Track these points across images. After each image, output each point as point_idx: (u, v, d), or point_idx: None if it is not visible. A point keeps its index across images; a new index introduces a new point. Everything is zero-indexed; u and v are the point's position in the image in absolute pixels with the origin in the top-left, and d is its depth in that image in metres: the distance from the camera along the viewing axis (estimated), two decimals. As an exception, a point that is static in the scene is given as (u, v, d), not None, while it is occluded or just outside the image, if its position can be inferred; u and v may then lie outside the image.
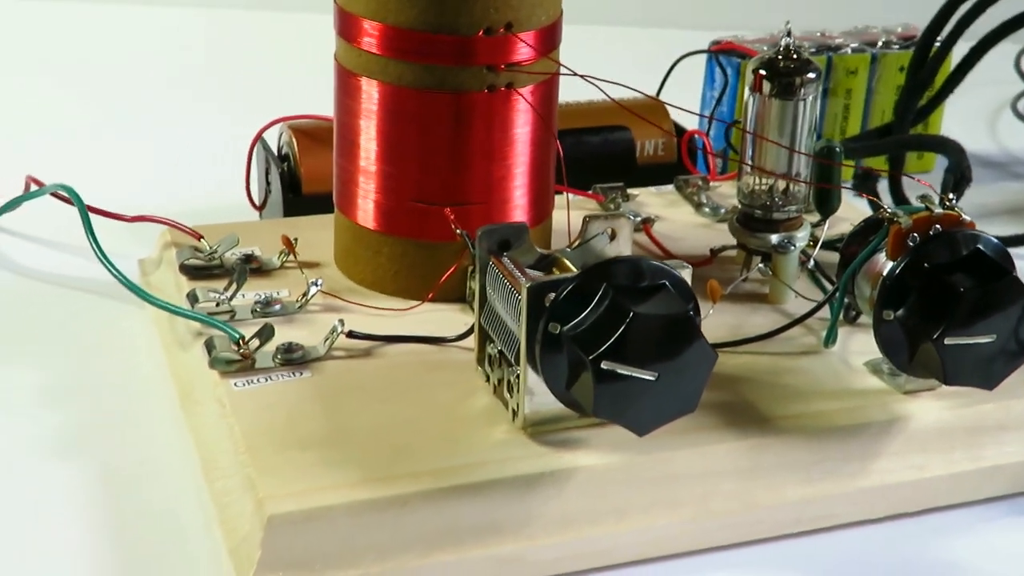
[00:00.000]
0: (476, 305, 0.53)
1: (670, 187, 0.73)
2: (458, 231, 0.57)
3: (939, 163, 0.86)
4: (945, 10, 0.80)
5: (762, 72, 0.60)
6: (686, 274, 0.49)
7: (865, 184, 0.73)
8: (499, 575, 0.49)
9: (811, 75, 0.60)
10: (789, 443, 0.52)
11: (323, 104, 0.77)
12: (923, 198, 0.54)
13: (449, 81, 0.57)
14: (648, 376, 0.46)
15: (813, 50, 0.82)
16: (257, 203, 0.76)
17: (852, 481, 0.53)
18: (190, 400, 0.55)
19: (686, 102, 0.73)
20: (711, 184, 0.72)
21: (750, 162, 0.61)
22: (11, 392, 0.59)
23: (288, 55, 1.06)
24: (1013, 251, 0.55)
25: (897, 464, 0.54)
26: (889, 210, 0.54)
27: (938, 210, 0.53)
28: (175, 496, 0.53)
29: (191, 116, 0.93)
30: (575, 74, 0.57)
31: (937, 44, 0.81)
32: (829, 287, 0.61)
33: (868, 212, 0.72)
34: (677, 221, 0.69)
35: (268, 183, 0.73)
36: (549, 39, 0.58)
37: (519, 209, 0.60)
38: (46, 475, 0.54)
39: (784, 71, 0.60)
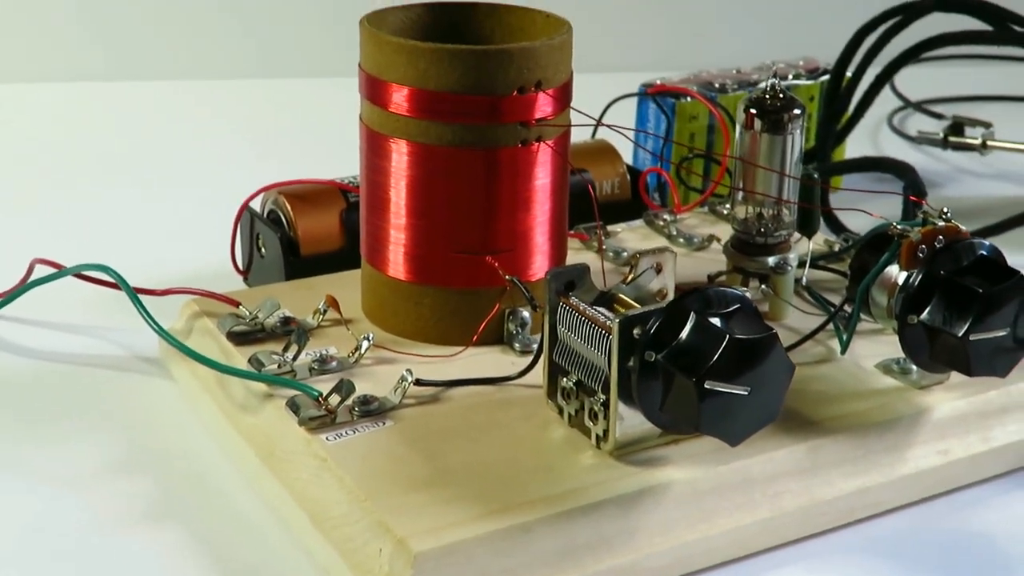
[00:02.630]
0: (545, 344, 0.57)
1: (638, 222, 0.78)
2: (508, 277, 0.61)
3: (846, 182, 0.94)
4: (852, 43, 0.89)
5: (752, 111, 0.66)
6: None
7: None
8: (617, 587, 0.53)
9: (797, 111, 0.66)
10: (839, 441, 0.58)
11: (295, 168, 0.81)
12: (925, 213, 0.60)
13: (486, 138, 0.61)
14: (742, 391, 0.52)
15: (735, 87, 0.89)
16: (241, 268, 0.78)
17: (892, 470, 0.59)
18: (274, 459, 0.58)
19: (620, 141, 0.79)
20: (678, 216, 0.78)
21: (741, 191, 0.67)
22: (75, 470, 0.60)
23: (250, 125, 1.09)
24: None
25: (926, 451, 0.60)
26: (899, 226, 0.60)
27: (940, 223, 0.60)
28: (276, 550, 0.55)
29: (153, 190, 0.95)
30: (598, 123, 0.62)
31: (849, 74, 0.89)
32: (825, 301, 0.68)
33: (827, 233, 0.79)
34: (657, 253, 0.74)
35: (259, 248, 0.76)
36: (568, 92, 0.63)
37: (542, 254, 0.65)
38: (142, 545, 0.56)
39: (772, 109, 0.66)
